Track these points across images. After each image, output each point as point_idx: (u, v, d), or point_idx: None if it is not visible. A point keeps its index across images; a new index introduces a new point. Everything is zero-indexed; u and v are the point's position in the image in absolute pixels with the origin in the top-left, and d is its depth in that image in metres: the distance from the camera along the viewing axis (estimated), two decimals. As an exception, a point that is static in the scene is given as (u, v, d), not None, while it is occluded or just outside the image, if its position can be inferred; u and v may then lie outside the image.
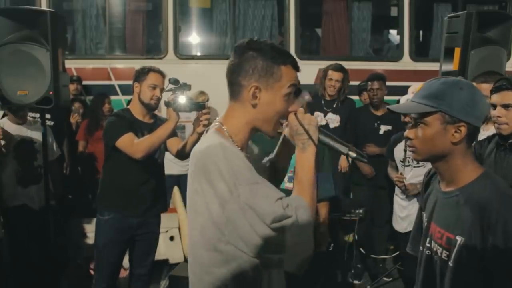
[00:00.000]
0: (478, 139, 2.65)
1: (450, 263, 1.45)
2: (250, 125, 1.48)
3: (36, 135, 3.75)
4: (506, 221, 1.34)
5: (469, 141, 1.46)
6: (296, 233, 1.33)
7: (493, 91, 2.34)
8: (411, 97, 3.63)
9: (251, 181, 1.34)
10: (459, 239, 1.42)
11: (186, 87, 2.83)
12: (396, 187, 3.74)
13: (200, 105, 2.82)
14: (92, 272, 4.00)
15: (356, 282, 4.39)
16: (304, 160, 1.45)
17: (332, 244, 3.87)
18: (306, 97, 3.39)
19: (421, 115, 1.45)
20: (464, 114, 1.41)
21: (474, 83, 2.72)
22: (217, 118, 1.54)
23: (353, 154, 1.48)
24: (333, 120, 4.44)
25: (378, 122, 4.44)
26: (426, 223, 1.61)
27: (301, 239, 1.35)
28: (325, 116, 4.46)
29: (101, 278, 3.09)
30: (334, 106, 4.46)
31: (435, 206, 1.56)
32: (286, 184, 2.84)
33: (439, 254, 1.50)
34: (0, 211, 3.46)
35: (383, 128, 4.43)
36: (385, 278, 4.40)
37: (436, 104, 1.42)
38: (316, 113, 4.49)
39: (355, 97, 5.19)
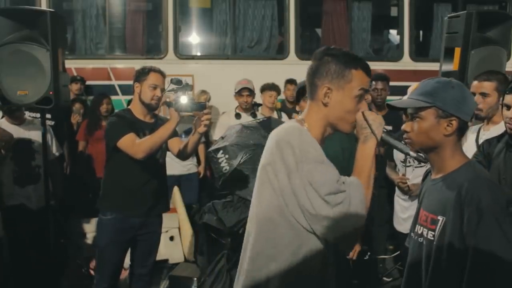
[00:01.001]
0: (483, 139, 2.66)
1: (435, 242, 1.59)
2: (323, 122, 1.64)
3: (34, 135, 3.74)
4: (480, 199, 1.49)
5: (459, 134, 1.63)
6: (348, 207, 1.49)
7: (508, 92, 2.35)
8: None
9: (317, 159, 1.52)
10: (440, 218, 1.59)
11: (188, 87, 2.84)
12: (397, 189, 3.74)
13: (201, 105, 2.82)
14: (92, 272, 4.00)
15: (356, 281, 4.39)
16: (364, 149, 1.63)
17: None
18: None
19: (417, 110, 1.63)
20: (455, 109, 1.59)
21: (476, 81, 2.74)
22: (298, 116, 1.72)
23: (414, 154, 1.67)
24: None
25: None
26: (417, 212, 1.77)
27: (352, 213, 1.49)
28: None
29: (103, 278, 3.09)
30: None
31: (425, 194, 1.74)
32: None
33: (425, 235, 1.65)
34: (-1, 210, 3.46)
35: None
36: (385, 278, 4.40)
37: (431, 100, 1.60)
38: None
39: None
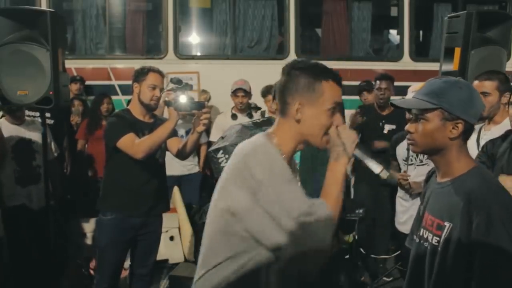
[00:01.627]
0: (484, 139, 2.66)
1: (439, 248, 1.54)
2: (296, 138, 1.59)
3: (35, 135, 3.74)
4: (490, 207, 1.44)
5: (464, 137, 1.57)
6: (315, 230, 1.43)
7: None
8: (410, 95, 3.64)
9: (285, 179, 1.46)
10: (447, 224, 1.52)
11: (187, 87, 2.84)
12: (399, 188, 3.74)
13: (200, 104, 2.83)
14: (92, 272, 4.00)
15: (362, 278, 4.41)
16: (335, 168, 1.56)
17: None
18: None
19: (422, 111, 1.55)
20: (462, 111, 1.52)
21: (477, 81, 2.74)
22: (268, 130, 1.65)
23: (385, 176, 1.61)
24: None
25: (383, 121, 4.44)
26: (420, 214, 1.71)
27: (319, 237, 1.45)
28: None
29: (103, 278, 3.09)
30: None
31: (430, 197, 1.67)
32: None
33: (430, 240, 1.59)
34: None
35: (387, 128, 4.43)
36: (385, 278, 4.40)
37: (437, 101, 1.53)
38: None
39: (357, 98, 5.20)
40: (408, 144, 1.66)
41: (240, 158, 1.51)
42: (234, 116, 4.65)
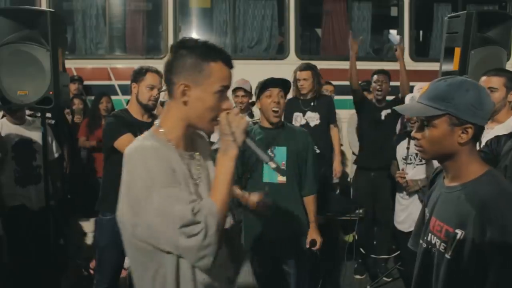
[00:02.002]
0: (486, 138, 2.65)
1: (447, 256, 1.47)
2: (184, 122, 1.50)
3: (35, 135, 3.74)
4: (504, 216, 1.37)
5: (475, 140, 1.49)
6: (204, 238, 1.36)
7: None
8: (417, 94, 3.66)
9: (165, 184, 1.37)
10: (459, 232, 1.44)
11: None
12: (398, 187, 3.75)
13: None
14: (92, 272, 4.00)
15: (357, 276, 4.40)
16: (224, 162, 1.46)
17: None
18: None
19: (429, 118, 1.47)
20: (471, 115, 1.43)
21: (485, 76, 2.72)
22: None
23: (273, 165, 1.53)
24: (313, 118, 4.46)
25: (381, 111, 4.50)
26: (427, 217, 1.63)
27: (207, 243, 1.37)
28: (304, 115, 4.47)
29: (103, 278, 3.09)
30: (312, 104, 4.47)
31: (437, 201, 1.59)
32: (279, 178, 2.90)
33: (437, 247, 1.53)
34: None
35: (384, 113, 4.47)
36: (385, 278, 4.40)
37: (443, 106, 1.44)
38: (296, 114, 4.50)
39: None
40: (417, 151, 1.60)
41: (124, 162, 1.44)
42: None
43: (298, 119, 4.48)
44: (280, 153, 2.93)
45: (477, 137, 1.49)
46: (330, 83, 5.32)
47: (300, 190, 3.01)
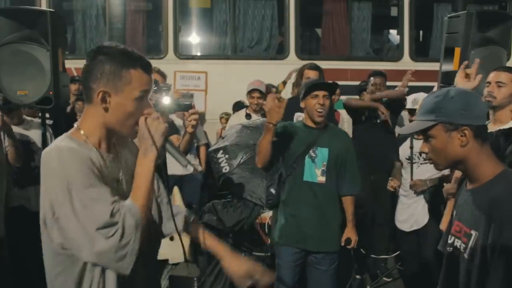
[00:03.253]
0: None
1: (466, 256, 1.56)
2: (105, 127, 1.51)
3: (34, 136, 3.72)
4: (505, 210, 1.43)
5: (479, 139, 1.55)
6: (120, 238, 1.37)
7: None
8: (420, 95, 3.69)
9: (84, 185, 1.38)
10: (473, 233, 1.53)
11: (165, 87, 2.79)
12: (401, 186, 3.75)
13: (186, 106, 2.73)
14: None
15: (358, 276, 4.40)
16: (144, 164, 1.48)
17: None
18: None
19: (427, 130, 1.59)
20: (462, 118, 1.53)
21: (494, 71, 2.73)
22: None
23: (191, 168, 1.62)
24: None
25: (377, 114, 4.48)
26: (453, 220, 1.73)
27: (124, 243, 1.38)
28: None
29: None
30: None
31: (460, 204, 1.69)
32: (319, 178, 3.02)
33: (458, 247, 1.62)
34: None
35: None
36: (385, 278, 4.40)
37: (434, 117, 1.56)
38: (297, 114, 4.48)
39: (355, 97, 5.19)
40: (430, 164, 1.71)
41: (41, 165, 1.45)
42: (248, 116, 4.64)
43: (300, 119, 4.46)
44: (322, 154, 3.02)
45: (480, 135, 1.55)
46: None
47: (338, 190, 3.09)
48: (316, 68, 4.43)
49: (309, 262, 3.09)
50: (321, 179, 3.01)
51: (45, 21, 3.21)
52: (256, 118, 4.51)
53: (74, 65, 5.63)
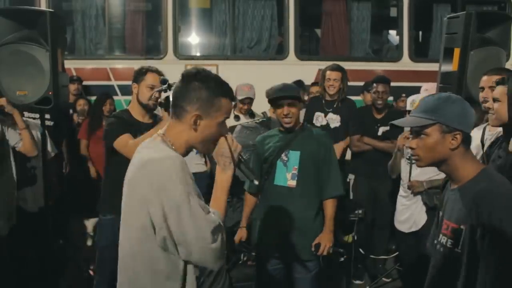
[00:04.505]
0: (489, 140, 2.65)
1: (458, 249, 1.66)
2: (189, 144, 1.70)
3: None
4: (495, 209, 1.56)
5: (465, 145, 1.70)
6: (221, 241, 1.58)
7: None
8: (425, 94, 3.66)
9: (195, 193, 1.58)
10: (463, 227, 1.65)
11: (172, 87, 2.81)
12: (401, 187, 3.75)
13: None
14: (91, 272, 4.00)
15: (358, 282, 4.39)
16: (223, 180, 1.71)
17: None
18: None
19: (422, 128, 1.69)
20: (458, 123, 1.67)
21: (486, 76, 2.72)
22: (161, 131, 1.74)
23: (256, 182, 1.84)
24: (334, 120, 4.45)
25: (378, 124, 4.45)
26: (440, 221, 1.83)
27: (223, 245, 1.59)
28: (325, 116, 4.47)
29: (103, 278, 3.09)
30: (335, 106, 4.47)
31: (446, 204, 1.80)
32: (289, 182, 2.95)
33: (445, 243, 1.72)
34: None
35: (382, 130, 4.44)
36: (384, 279, 4.40)
37: (434, 116, 1.67)
38: (317, 114, 4.50)
39: (356, 98, 5.19)
40: (413, 160, 1.79)
41: (154, 177, 1.55)
42: (236, 117, 4.64)
43: (320, 119, 4.48)
44: (294, 157, 2.94)
45: (467, 142, 1.70)
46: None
47: (319, 194, 2.99)
48: (339, 69, 4.44)
49: (287, 268, 3.02)
50: (291, 183, 2.92)
51: (44, 21, 3.21)
52: (244, 118, 4.50)
53: (74, 65, 5.64)
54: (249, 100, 4.52)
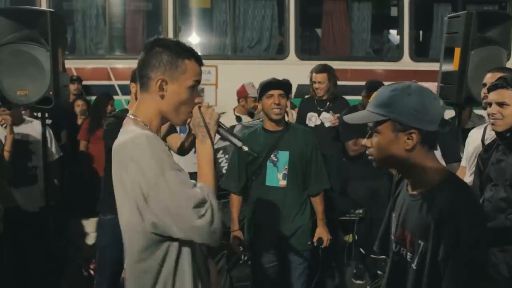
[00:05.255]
0: (490, 139, 2.62)
1: (414, 266, 1.47)
2: (159, 114, 1.61)
3: (32, 136, 3.69)
4: (458, 227, 1.35)
5: (426, 145, 1.44)
6: (211, 215, 1.48)
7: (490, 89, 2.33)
8: None
9: (173, 168, 1.48)
10: (421, 243, 1.44)
11: None
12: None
13: None
14: (92, 272, 4.00)
15: (358, 282, 4.39)
16: (204, 151, 1.61)
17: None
18: None
19: (375, 124, 1.45)
20: (414, 120, 1.40)
21: (490, 73, 2.68)
22: (130, 111, 1.67)
23: (246, 148, 1.67)
24: (328, 119, 4.45)
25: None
26: (394, 224, 1.62)
27: (215, 220, 1.49)
28: (319, 115, 4.47)
29: (103, 278, 3.09)
30: (328, 105, 4.48)
31: (403, 209, 1.57)
32: (281, 182, 2.98)
33: (404, 256, 1.53)
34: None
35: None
36: (384, 278, 4.40)
37: (385, 112, 1.42)
38: (310, 114, 4.50)
39: (357, 98, 5.19)
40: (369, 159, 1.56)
41: (127, 158, 1.51)
42: (238, 118, 4.66)
43: (313, 119, 4.49)
44: (283, 157, 2.97)
45: (429, 141, 1.44)
46: None
47: (305, 189, 3.06)
48: (323, 70, 4.42)
49: (282, 264, 3.08)
50: (283, 183, 2.97)
51: (45, 21, 3.21)
52: (246, 118, 4.51)
53: (74, 65, 5.64)
54: (253, 99, 4.54)
